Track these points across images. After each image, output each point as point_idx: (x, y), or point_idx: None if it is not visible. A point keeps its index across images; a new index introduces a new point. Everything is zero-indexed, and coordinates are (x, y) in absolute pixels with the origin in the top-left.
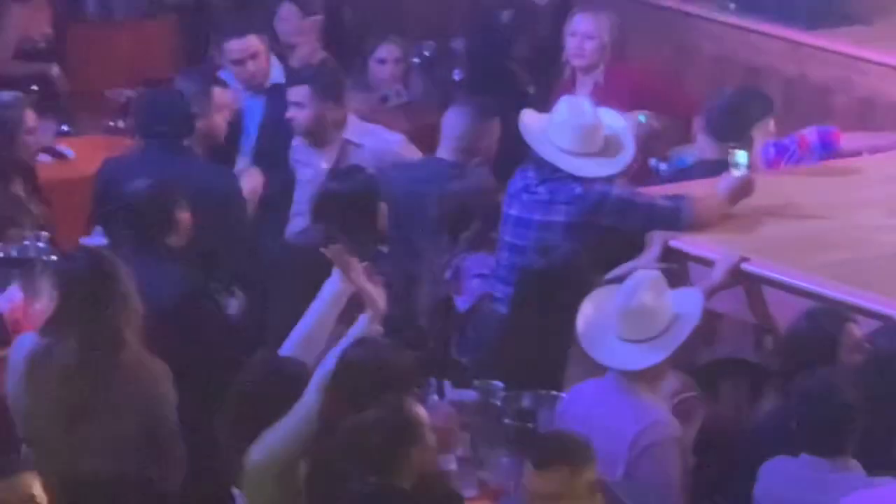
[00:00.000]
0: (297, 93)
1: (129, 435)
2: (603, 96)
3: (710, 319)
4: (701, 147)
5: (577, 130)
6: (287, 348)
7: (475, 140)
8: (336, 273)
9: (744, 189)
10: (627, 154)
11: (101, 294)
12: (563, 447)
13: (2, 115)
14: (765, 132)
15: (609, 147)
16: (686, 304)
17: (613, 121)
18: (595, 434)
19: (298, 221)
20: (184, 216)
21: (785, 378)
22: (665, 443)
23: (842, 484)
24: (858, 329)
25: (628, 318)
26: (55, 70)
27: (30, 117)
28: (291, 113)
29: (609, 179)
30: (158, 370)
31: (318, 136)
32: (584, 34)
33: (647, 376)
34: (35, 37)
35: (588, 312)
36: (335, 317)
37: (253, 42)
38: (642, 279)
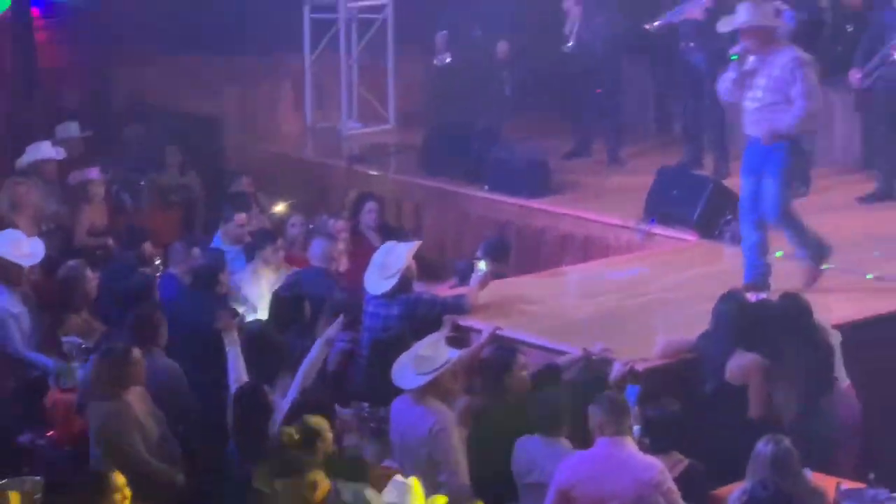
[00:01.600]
0: None
1: None
2: None
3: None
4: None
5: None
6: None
7: None
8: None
9: (483, 283)
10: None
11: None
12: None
13: (71, 274)
14: None
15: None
16: (453, 353)
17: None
18: (407, 427)
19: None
20: None
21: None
22: (445, 427)
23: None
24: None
25: (417, 361)
26: (110, 241)
27: (90, 275)
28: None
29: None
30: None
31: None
32: None
33: (433, 392)
34: (97, 223)
35: (402, 356)
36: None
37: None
38: (427, 340)
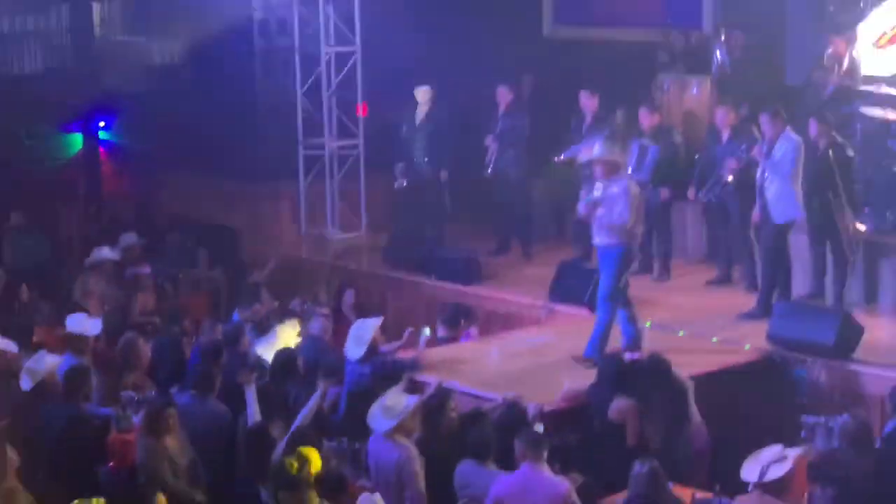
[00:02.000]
0: None
1: None
2: None
3: None
4: (440, 331)
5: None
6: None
7: None
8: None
9: (428, 345)
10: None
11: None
12: None
13: (128, 343)
14: None
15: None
16: (410, 400)
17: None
18: (380, 459)
19: None
20: None
21: None
22: (410, 461)
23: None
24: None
25: (384, 410)
26: (157, 320)
27: (143, 345)
28: None
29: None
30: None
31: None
32: None
33: (398, 431)
34: (147, 306)
35: (372, 406)
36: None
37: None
38: (391, 393)
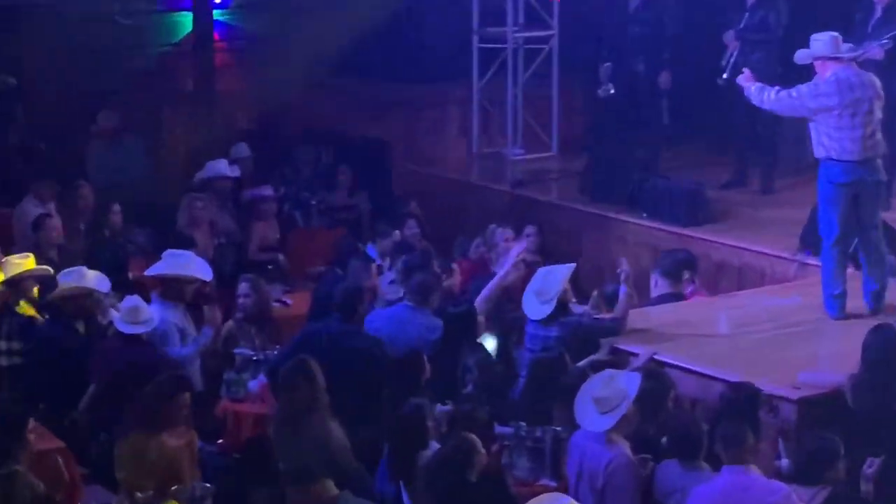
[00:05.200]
0: None
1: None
2: None
3: None
4: (659, 285)
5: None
6: None
7: None
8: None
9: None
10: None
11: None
12: None
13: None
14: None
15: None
16: (630, 383)
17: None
18: (587, 460)
19: None
20: None
21: None
22: (624, 467)
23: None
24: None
25: (596, 402)
26: (281, 257)
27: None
28: None
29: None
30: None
31: None
32: None
33: (617, 428)
34: (270, 239)
35: (578, 397)
36: None
37: (396, 234)
38: (599, 379)
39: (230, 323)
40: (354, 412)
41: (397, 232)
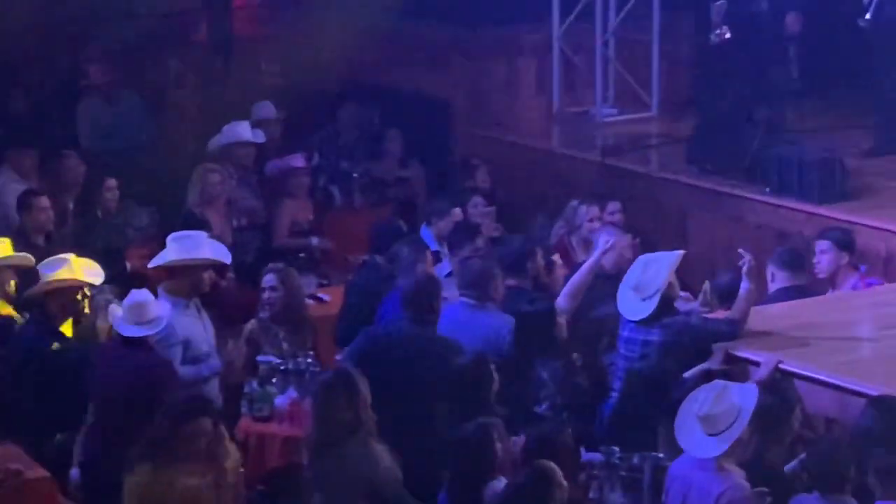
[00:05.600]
0: None
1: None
2: None
3: None
4: (777, 279)
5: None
6: None
7: None
8: None
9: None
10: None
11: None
12: None
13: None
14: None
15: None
16: (745, 397)
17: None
18: (692, 492)
19: None
20: None
21: None
22: (738, 497)
23: None
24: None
25: (703, 421)
26: (315, 242)
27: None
28: None
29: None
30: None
31: None
32: None
33: (728, 453)
34: (301, 221)
35: (680, 415)
36: None
37: (457, 213)
38: (707, 392)
39: (253, 323)
40: (418, 436)
41: (458, 210)
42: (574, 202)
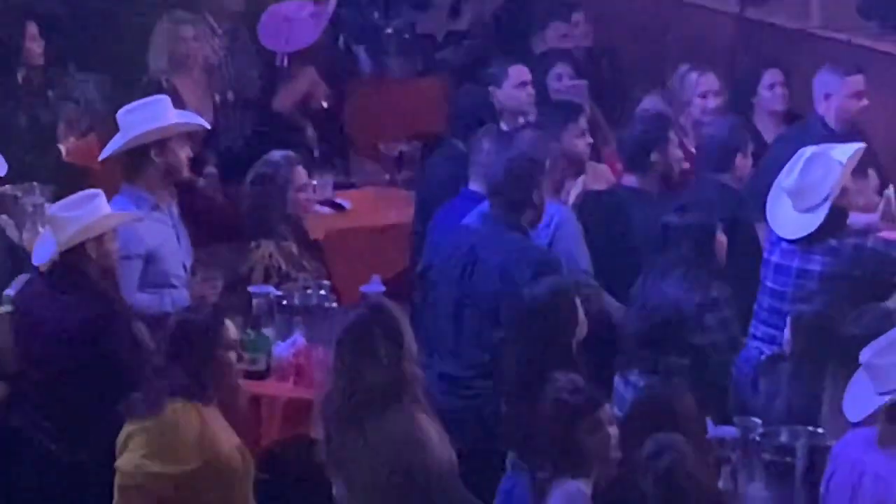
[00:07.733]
0: None
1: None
2: None
3: None
4: None
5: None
6: None
7: None
8: None
9: None
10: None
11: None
12: None
13: (273, 173)
14: None
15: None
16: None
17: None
18: (864, 479)
19: None
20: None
21: None
22: None
23: None
24: None
25: (872, 375)
26: (325, 103)
27: (300, 175)
28: None
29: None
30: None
31: None
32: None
33: None
34: (314, 94)
35: (853, 382)
36: None
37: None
38: (880, 342)
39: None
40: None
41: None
42: (684, 67)
